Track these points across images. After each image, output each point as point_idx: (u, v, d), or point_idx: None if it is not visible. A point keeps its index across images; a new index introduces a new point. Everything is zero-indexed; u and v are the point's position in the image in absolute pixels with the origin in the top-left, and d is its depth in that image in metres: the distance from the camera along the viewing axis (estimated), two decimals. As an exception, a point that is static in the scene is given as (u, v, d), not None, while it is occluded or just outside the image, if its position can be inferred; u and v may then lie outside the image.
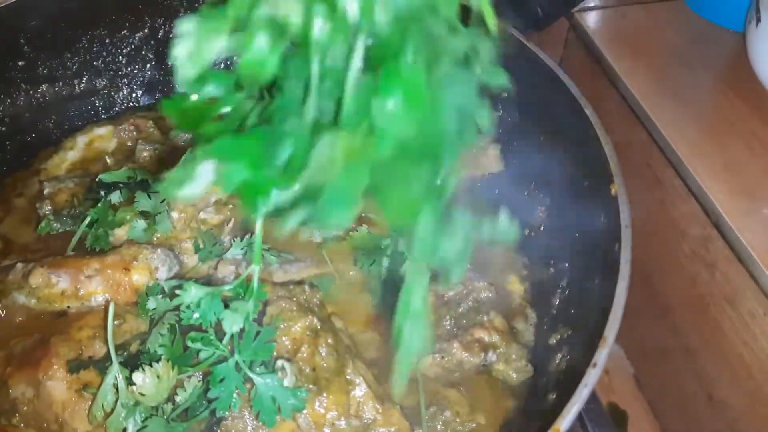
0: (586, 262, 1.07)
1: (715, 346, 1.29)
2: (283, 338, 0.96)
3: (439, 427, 1.00)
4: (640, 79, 1.42)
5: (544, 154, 1.25)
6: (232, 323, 0.84)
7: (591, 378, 0.84)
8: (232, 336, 0.88)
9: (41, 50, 1.39)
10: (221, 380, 0.86)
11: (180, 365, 0.91)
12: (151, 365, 0.90)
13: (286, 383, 0.90)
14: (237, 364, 0.86)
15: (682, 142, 1.30)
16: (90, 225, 1.19)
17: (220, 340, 0.90)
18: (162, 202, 1.17)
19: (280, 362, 0.92)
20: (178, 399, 0.93)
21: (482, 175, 1.32)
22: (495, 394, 1.07)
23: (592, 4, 1.60)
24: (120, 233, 1.18)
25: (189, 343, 0.91)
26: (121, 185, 1.25)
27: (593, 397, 1.34)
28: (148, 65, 1.53)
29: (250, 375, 0.86)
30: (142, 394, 0.89)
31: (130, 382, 0.90)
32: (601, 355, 0.85)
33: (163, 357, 0.91)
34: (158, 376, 0.89)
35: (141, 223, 1.14)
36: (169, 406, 0.92)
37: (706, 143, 1.30)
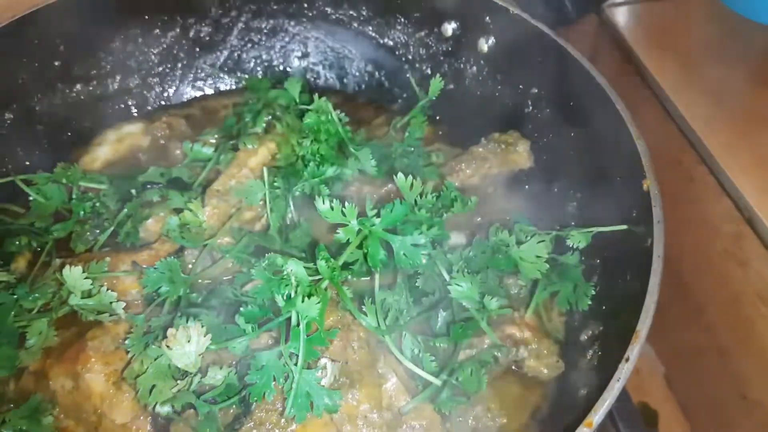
0: (618, 259, 1.07)
1: (748, 344, 1.27)
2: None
3: (470, 422, 1.00)
4: (671, 75, 1.41)
5: (574, 150, 1.25)
6: (306, 312, 0.88)
7: (623, 372, 0.84)
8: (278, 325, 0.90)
9: (76, 50, 1.41)
10: (261, 367, 0.87)
11: (213, 335, 0.92)
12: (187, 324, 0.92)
13: (323, 382, 0.90)
14: (281, 354, 0.87)
15: (714, 138, 1.29)
16: (120, 224, 1.21)
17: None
18: (195, 198, 1.18)
19: (323, 361, 0.92)
20: (207, 378, 0.94)
21: (512, 171, 1.32)
22: (526, 390, 1.07)
23: (621, 0, 1.59)
24: (153, 229, 1.20)
25: (236, 318, 0.92)
26: (154, 185, 1.28)
27: (624, 395, 1.32)
28: (180, 64, 1.55)
29: (291, 368, 0.87)
30: (168, 347, 0.90)
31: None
32: (634, 350, 0.85)
33: (198, 321, 0.92)
34: (189, 337, 0.90)
35: (175, 220, 1.16)
36: (197, 378, 0.93)
37: (738, 140, 1.28)
